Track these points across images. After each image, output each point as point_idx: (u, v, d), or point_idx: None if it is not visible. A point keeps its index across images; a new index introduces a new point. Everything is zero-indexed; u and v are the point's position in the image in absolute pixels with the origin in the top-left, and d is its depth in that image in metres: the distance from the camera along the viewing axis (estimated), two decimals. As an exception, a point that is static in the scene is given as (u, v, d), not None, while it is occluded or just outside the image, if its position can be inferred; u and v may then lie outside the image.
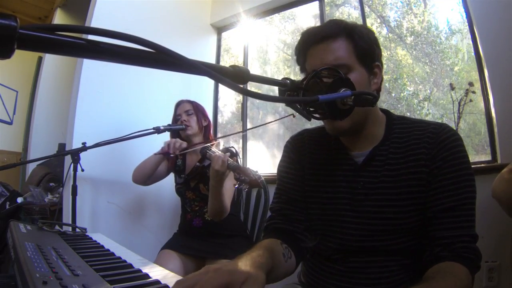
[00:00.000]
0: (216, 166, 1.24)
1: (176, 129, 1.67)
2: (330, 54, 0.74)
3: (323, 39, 0.76)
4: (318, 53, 0.76)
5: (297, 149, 0.90)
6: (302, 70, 0.83)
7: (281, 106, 2.51)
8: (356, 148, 0.81)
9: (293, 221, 0.84)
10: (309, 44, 0.78)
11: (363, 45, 0.76)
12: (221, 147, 1.69)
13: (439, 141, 0.74)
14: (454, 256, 0.66)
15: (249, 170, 1.12)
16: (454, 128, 1.65)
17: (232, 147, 1.52)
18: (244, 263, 0.55)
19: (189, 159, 1.73)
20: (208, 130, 1.76)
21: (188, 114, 1.69)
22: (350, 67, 0.74)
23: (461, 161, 0.72)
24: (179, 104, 1.74)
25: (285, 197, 0.88)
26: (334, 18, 2.42)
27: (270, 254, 0.68)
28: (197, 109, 1.73)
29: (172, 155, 1.61)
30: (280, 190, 0.90)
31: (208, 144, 1.48)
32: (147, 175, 1.69)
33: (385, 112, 0.85)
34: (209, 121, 1.78)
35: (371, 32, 0.80)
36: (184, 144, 1.60)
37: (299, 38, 0.81)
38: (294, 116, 1.37)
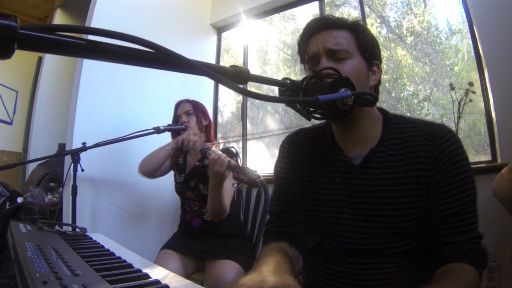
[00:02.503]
0: (215, 167, 1.23)
1: (176, 129, 1.67)
2: (332, 39, 0.75)
3: (326, 27, 0.77)
4: (319, 38, 0.76)
5: (293, 150, 0.89)
6: (303, 59, 0.82)
7: (281, 106, 2.51)
8: (353, 150, 0.80)
9: (294, 223, 0.83)
10: (312, 32, 0.79)
11: (365, 39, 0.77)
12: (221, 147, 1.69)
13: (439, 143, 0.73)
14: (463, 258, 0.67)
15: (248, 169, 1.12)
16: (453, 128, 1.66)
17: (233, 147, 1.51)
18: (280, 273, 0.57)
19: (190, 158, 1.73)
20: (209, 129, 1.75)
21: (187, 114, 1.68)
22: (349, 53, 0.74)
23: (462, 164, 0.72)
24: (178, 105, 1.74)
25: (284, 199, 0.87)
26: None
27: (289, 259, 0.70)
28: (197, 108, 1.72)
29: (183, 151, 1.60)
30: (278, 192, 0.89)
31: (209, 144, 1.48)
32: (155, 168, 1.68)
33: (382, 111, 0.83)
34: (210, 120, 1.78)
35: (374, 36, 0.82)
36: (199, 142, 1.60)
37: (302, 30, 0.82)
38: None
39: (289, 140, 0.91)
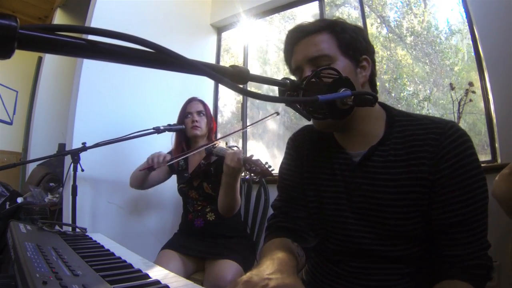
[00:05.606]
0: (232, 163, 1.23)
1: (176, 129, 1.67)
2: (312, 47, 0.73)
3: (306, 34, 0.75)
4: (301, 48, 0.76)
5: (297, 147, 0.89)
6: (290, 70, 0.81)
7: (281, 106, 2.51)
8: (353, 147, 0.78)
9: (296, 219, 0.83)
10: (294, 42, 0.78)
11: (346, 37, 0.74)
12: (224, 145, 1.69)
13: (444, 144, 0.67)
14: (464, 274, 0.63)
15: (259, 160, 1.16)
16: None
17: (236, 146, 1.52)
18: (285, 272, 0.56)
19: (192, 158, 1.73)
20: (211, 132, 1.77)
21: (200, 115, 1.70)
22: (332, 57, 0.72)
23: (471, 167, 0.65)
24: (191, 101, 1.75)
25: (286, 195, 0.87)
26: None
27: (293, 255, 0.68)
28: (207, 110, 1.75)
29: (156, 169, 1.58)
30: (281, 188, 0.89)
31: (201, 148, 1.50)
32: (139, 185, 1.72)
33: (385, 107, 0.79)
34: (214, 123, 1.80)
35: (358, 28, 0.78)
36: (168, 157, 1.59)
37: (284, 43, 0.81)
38: (278, 114, 1.42)
39: (294, 137, 0.93)
